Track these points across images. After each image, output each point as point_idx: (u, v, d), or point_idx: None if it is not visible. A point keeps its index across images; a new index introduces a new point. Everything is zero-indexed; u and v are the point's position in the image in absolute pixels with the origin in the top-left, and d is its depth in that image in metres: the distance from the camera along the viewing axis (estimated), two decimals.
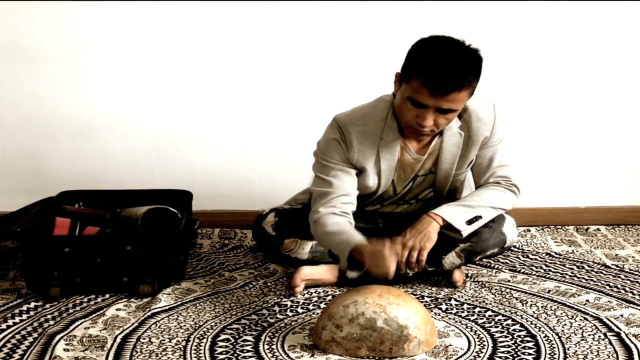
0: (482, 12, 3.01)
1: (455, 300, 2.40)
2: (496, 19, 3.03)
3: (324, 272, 2.49)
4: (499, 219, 2.46)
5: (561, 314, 2.30)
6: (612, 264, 2.73)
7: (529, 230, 3.11)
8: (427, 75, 2.14)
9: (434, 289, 2.49)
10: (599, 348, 2.09)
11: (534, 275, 2.63)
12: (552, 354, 2.06)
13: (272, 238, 2.53)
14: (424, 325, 2.05)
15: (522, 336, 2.16)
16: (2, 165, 3.11)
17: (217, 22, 3.00)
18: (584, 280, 2.58)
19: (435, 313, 2.31)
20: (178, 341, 2.13)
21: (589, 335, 2.16)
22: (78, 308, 2.34)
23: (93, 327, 2.20)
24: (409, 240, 2.30)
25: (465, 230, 2.35)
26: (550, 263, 2.75)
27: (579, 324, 2.23)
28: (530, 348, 2.09)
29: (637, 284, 2.54)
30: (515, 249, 2.87)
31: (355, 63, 3.04)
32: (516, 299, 2.41)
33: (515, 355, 2.06)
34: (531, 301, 2.39)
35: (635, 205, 3.24)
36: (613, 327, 2.21)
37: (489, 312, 2.31)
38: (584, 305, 2.37)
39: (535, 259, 2.78)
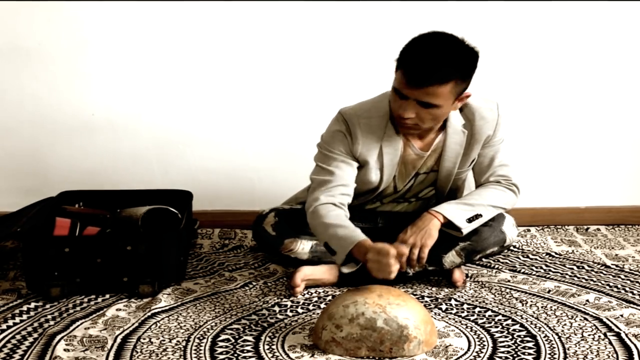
0: (486, 12, 3.01)
1: (455, 300, 2.40)
2: (498, 20, 3.04)
3: (324, 272, 2.50)
4: (499, 218, 2.47)
5: (561, 314, 2.30)
6: (612, 264, 2.73)
7: (529, 230, 3.11)
8: (408, 65, 2.17)
9: (434, 289, 2.49)
10: (599, 348, 2.09)
11: (534, 275, 2.63)
12: (552, 354, 2.06)
13: (272, 238, 2.53)
14: (424, 325, 2.05)
15: (522, 336, 2.16)
16: (2, 165, 3.11)
17: (216, 22, 3.00)
18: (584, 280, 2.58)
19: (435, 313, 2.31)
20: (178, 341, 2.13)
21: (589, 335, 2.16)
22: (78, 308, 2.34)
23: (93, 328, 2.20)
24: (410, 238, 2.30)
25: (466, 228, 2.35)
26: (550, 263, 2.75)
27: (579, 324, 2.23)
28: (530, 348, 2.09)
29: (637, 284, 2.54)
30: (515, 249, 2.87)
31: (355, 63, 3.04)
32: (516, 299, 2.41)
33: (515, 355, 2.06)
34: (531, 301, 2.39)
35: (635, 205, 3.24)
36: (613, 327, 2.21)
37: (489, 312, 2.31)
38: (584, 305, 2.37)
39: (535, 259, 2.78)
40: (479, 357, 2.05)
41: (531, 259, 2.79)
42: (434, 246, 2.33)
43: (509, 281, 2.57)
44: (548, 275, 2.62)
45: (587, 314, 2.30)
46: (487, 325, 2.23)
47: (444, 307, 2.35)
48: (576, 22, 3.05)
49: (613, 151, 3.20)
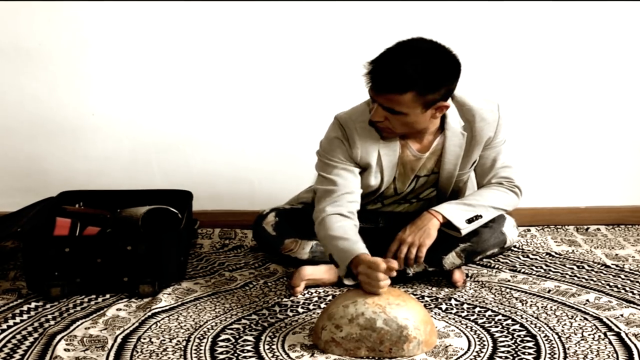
0: (487, 13, 3.01)
1: (455, 300, 2.40)
2: (499, 21, 3.04)
3: (324, 272, 2.49)
4: (500, 219, 2.46)
5: (561, 313, 2.30)
6: (612, 264, 2.74)
7: (529, 230, 3.12)
8: (371, 70, 2.20)
9: (434, 289, 2.49)
10: (599, 348, 2.09)
11: (534, 275, 2.63)
12: (552, 353, 2.06)
13: (273, 238, 2.53)
14: (424, 325, 2.05)
15: (522, 336, 2.16)
16: (2, 165, 3.11)
17: (217, 23, 3.00)
18: (584, 280, 2.58)
19: (435, 313, 2.31)
20: (178, 341, 2.13)
21: (589, 335, 2.16)
22: (78, 308, 2.34)
23: (93, 327, 2.20)
24: (409, 236, 2.31)
25: (465, 229, 2.35)
26: (550, 263, 2.75)
27: (579, 324, 2.23)
28: (530, 348, 2.09)
29: (637, 284, 2.54)
30: (515, 249, 2.88)
31: (356, 63, 3.03)
32: (516, 298, 2.41)
33: (515, 355, 2.06)
34: (531, 301, 2.39)
35: (635, 205, 3.24)
36: (613, 326, 2.21)
37: (489, 312, 2.31)
38: (584, 305, 2.37)
39: (535, 259, 2.78)
40: (479, 357, 2.05)
41: (531, 258, 2.79)
42: (434, 247, 2.33)
43: (509, 281, 2.57)
44: (548, 275, 2.63)
45: (587, 313, 2.30)
46: (487, 325, 2.23)
47: (444, 307, 2.35)
48: (576, 23, 3.06)
49: (613, 151, 3.20)
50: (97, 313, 2.30)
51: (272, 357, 2.04)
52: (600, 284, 2.55)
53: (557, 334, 2.17)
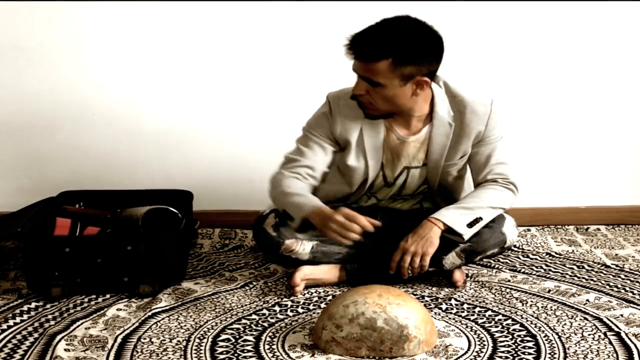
0: (486, 11, 3.01)
1: (455, 300, 2.40)
2: (497, 19, 3.04)
3: (325, 271, 2.49)
4: (499, 219, 2.47)
5: (561, 313, 2.30)
6: (612, 264, 2.74)
7: (529, 230, 3.12)
8: (351, 39, 2.27)
9: (434, 289, 2.49)
10: (599, 348, 2.09)
11: (534, 275, 2.63)
12: (552, 353, 2.06)
13: (273, 239, 2.53)
14: (424, 325, 2.05)
15: (522, 336, 2.16)
16: (2, 165, 3.11)
17: (217, 22, 3.00)
18: (584, 280, 2.58)
19: (435, 313, 2.31)
20: (179, 341, 2.13)
21: (589, 335, 2.16)
22: (79, 308, 2.34)
23: (94, 327, 2.20)
24: (411, 246, 2.33)
25: (467, 234, 2.36)
26: (550, 263, 2.75)
27: (579, 324, 2.23)
28: (530, 348, 2.09)
29: (637, 284, 2.54)
30: (515, 249, 2.88)
31: None
32: (516, 298, 2.41)
33: (515, 355, 2.06)
34: (531, 301, 2.40)
35: (635, 205, 3.24)
36: (613, 326, 2.21)
37: (489, 312, 2.32)
38: (584, 305, 2.37)
39: (535, 259, 2.78)
40: (479, 356, 2.05)
41: (531, 258, 2.79)
42: None
43: (509, 281, 2.57)
44: (548, 275, 2.63)
45: (587, 313, 2.30)
46: (487, 325, 2.23)
47: (444, 306, 2.36)
48: (576, 22, 3.06)
49: (613, 151, 3.20)
50: (97, 313, 2.30)
51: (273, 357, 2.04)
52: (600, 283, 2.55)
53: (557, 333, 2.17)
